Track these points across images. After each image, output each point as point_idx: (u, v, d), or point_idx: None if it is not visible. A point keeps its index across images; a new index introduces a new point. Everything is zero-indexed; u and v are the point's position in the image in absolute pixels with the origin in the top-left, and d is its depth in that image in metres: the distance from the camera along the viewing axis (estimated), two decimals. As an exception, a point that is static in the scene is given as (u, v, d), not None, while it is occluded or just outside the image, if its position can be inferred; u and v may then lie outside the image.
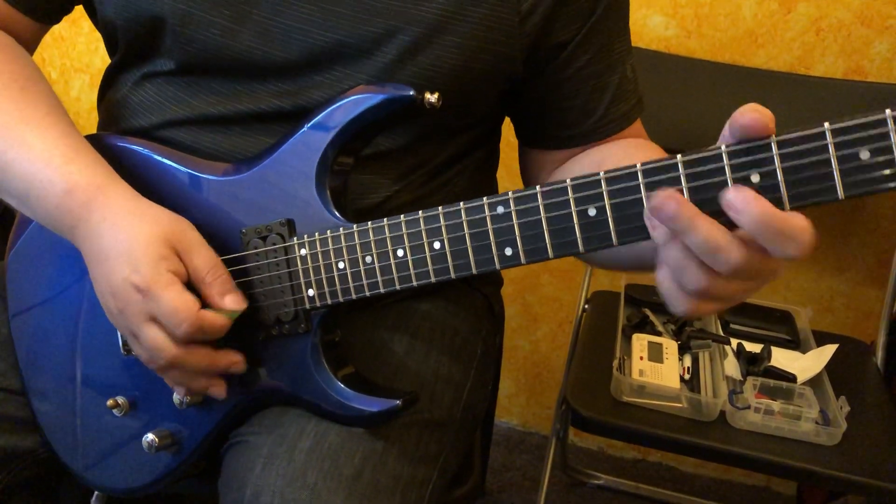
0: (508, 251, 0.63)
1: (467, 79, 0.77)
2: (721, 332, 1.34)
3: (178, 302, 0.66)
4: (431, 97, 0.69)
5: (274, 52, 0.76)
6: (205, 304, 0.69)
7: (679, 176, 0.56)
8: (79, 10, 0.86)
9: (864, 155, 0.51)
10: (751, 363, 1.25)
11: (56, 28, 0.89)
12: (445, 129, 0.83)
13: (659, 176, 0.57)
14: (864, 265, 1.55)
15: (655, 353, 1.24)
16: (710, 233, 0.53)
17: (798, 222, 0.51)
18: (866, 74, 1.41)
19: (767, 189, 0.54)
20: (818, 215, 1.64)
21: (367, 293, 0.69)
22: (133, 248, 0.68)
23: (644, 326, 1.33)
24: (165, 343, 0.68)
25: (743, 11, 1.43)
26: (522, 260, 0.63)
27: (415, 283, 0.68)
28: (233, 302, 0.70)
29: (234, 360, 0.73)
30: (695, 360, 1.26)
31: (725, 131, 0.55)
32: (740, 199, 0.52)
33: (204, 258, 0.70)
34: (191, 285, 0.69)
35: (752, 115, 0.52)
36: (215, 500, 0.76)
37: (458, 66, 0.75)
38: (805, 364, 1.26)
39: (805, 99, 1.38)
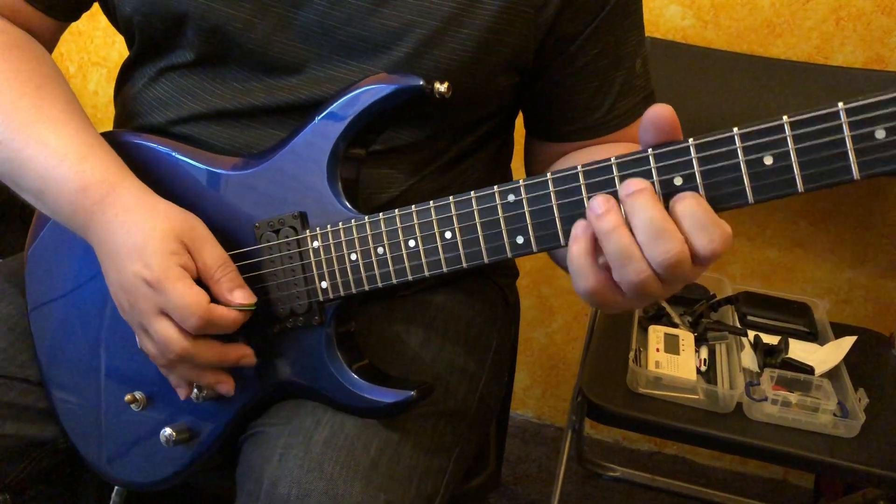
0: (520, 239, 0.63)
1: (482, 71, 0.77)
2: (738, 324, 1.33)
3: (188, 295, 0.67)
4: (441, 86, 0.69)
5: (292, 45, 0.76)
6: (214, 300, 0.70)
7: (691, 160, 0.56)
8: (95, 4, 0.87)
9: (880, 134, 0.50)
10: (768, 355, 1.24)
11: (74, 23, 0.90)
12: (460, 123, 0.83)
13: (671, 160, 0.56)
14: (884, 257, 1.54)
15: (672, 345, 1.24)
16: (660, 213, 0.56)
17: (723, 224, 0.55)
18: (886, 64, 1.40)
19: (781, 171, 0.53)
20: (837, 206, 1.63)
21: (380, 284, 0.70)
22: (144, 243, 0.69)
23: (660, 318, 1.33)
24: (175, 336, 0.69)
25: (761, 0, 1.41)
26: (534, 248, 0.63)
27: (427, 274, 0.68)
28: (242, 297, 0.70)
29: (244, 353, 0.73)
30: (711, 352, 1.25)
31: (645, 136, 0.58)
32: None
33: (213, 254, 0.70)
34: (200, 283, 0.70)
35: (659, 109, 0.56)
36: (233, 492, 0.77)
37: (474, 59, 0.75)
38: (823, 356, 1.25)
39: (824, 89, 1.36)
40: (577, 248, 0.59)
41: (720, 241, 0.55)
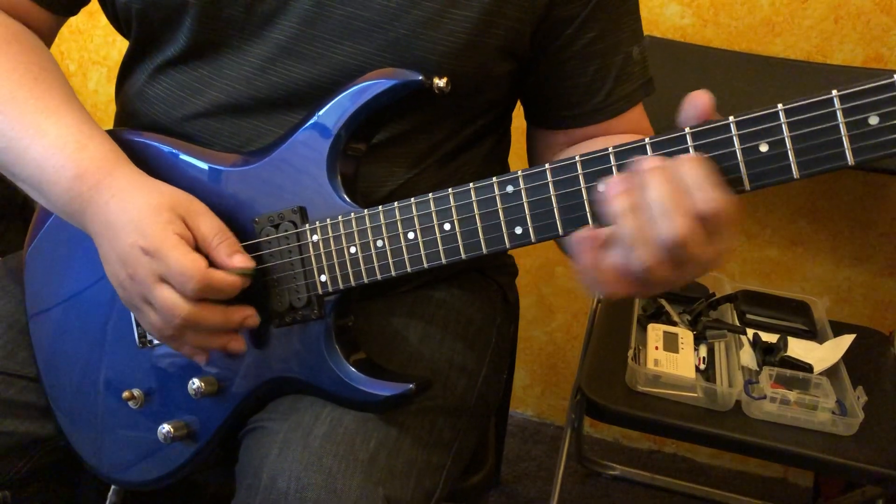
0: (518, 230, 0.63)
1: (477, 55, 0.77)
2: (737, 322, 1.33)
3: (185, 260, 0.67)
4: (440, 81, 0.69)
5: (289, 27, 0.76)
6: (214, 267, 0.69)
7: (688, 148, 0.56)
8: (95, 2, 0.87)
9: (874, 120, 0.51)
10: (767, 353, 1.24)
11: (73, 21, 0.90)
12: (457, 114, 0.83)
13: (669, 148, 0.57)
14: (884, 255, 1.54)
15: (671, 343, 1.24)
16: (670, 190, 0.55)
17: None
18: (886, 62, 1.40)
19: (777, 157, 0.54)
20: (837, 204, 1.62)
21: (379, 277, 0.70)
22: (140, 216, 0.69)
23: (659, 316, 1.33)
24: (178, 301, 0.68)
25: (760, -1, 1.42)
26: (532, 238, 0.63)
27: (426, 266, 0.68)
28: (241, 261, 0.70)
29: (247, 313, 0.73)
30: (710, 350, 1.25)
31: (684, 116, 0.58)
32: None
33: (209, 223, 0.71)
34: (199, 252, 0.69)
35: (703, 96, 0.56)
36: (232, 488, 0.77)
37: (469, 42, 0.76)
38: (822, 354, 1.25)
39: (823, 88, 1.35)
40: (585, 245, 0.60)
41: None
